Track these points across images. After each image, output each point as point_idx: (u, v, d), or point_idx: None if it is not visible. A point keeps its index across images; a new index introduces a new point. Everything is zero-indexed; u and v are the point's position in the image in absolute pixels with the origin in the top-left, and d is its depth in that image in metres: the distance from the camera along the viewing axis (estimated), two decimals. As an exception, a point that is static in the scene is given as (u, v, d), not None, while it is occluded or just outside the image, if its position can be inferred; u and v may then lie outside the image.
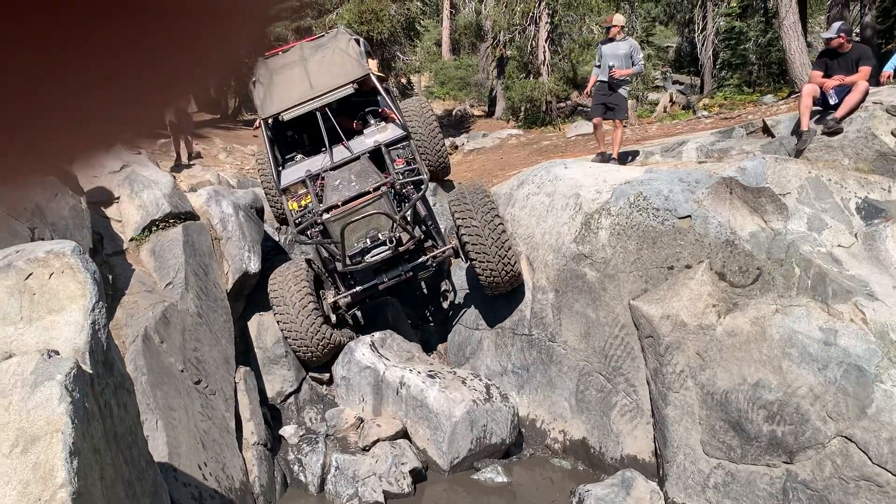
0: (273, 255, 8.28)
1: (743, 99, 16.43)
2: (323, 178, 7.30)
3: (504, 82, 20.96)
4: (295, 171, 7.59)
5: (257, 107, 7.92)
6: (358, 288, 7.38)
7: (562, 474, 6.78)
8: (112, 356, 3.32)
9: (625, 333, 6.55)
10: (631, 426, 6.52)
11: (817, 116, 7.08)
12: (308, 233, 7.11)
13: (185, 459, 5.11)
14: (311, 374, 7.57)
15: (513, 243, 7.34)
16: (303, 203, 7.33)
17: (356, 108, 8.15)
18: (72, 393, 2.58)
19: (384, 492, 6.20)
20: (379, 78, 7.99)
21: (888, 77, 7.13)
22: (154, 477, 3.40)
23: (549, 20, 18.54)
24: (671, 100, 17.95)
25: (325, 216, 6.74)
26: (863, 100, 6.75)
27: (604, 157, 8.40)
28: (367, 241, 6.72)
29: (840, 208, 6.04)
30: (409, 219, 6.95)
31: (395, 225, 6.69)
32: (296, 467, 6.50)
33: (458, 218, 7.10)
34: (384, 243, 6.73)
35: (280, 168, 7.72)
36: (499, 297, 7.70)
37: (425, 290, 9.32)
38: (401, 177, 7.20)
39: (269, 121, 7.71)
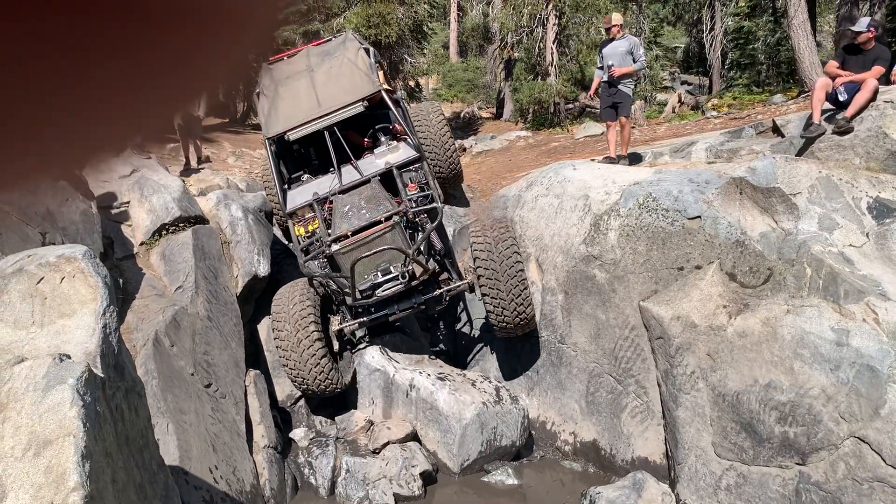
0: (282, 258, 8.29)
1: (752, 99, 16.37)
2: (331, 202, 6.92)
3: (512, 84, 20.95)
4: (301, 193, 7.19)
5: (261, 122, 7.53)
6: (366, 318, 6.97)
7: (572, 476, 6.76)
8: (123, 360, 3.33)
9: (635, 335, 6.53)
10: (641, 428, 6.50)
11: (828, 114, 7.04)
12: (317, 262, 6.74)
13: (196, 463, 5.12)
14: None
15: (530, 289, 6.92)
16: (310, 228, 6.94)
17: (365, 121, 7.74)
18: (83, 397, 2.59)
19: (395, 494, 6.20)
20: (388, 91, 7.67)
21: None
22: (165, 480, 3.41)
23: (556, 22, 18.52)
24: (680, 100, 17.90)
25: (335, 247, 6.34)
26: (873, 98, 6.70)
27: (611, 160, 8.37)
28: (379, 274, 6.37)
29: (851, 208, 5.99)
30: (422, 250, 6.54)
31: (408, 259, 6.32)
32: (306, 470, 6.50)
33: (477, 252, 6.78)
34: (396, 277, 6.37)
35: (286, 188, 7.38)
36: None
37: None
38: (414, 204, 6.76)
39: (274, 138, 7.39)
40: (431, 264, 6.65)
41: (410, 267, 6.37)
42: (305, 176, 7.59)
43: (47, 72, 0.34)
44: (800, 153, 7.08)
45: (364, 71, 7.36)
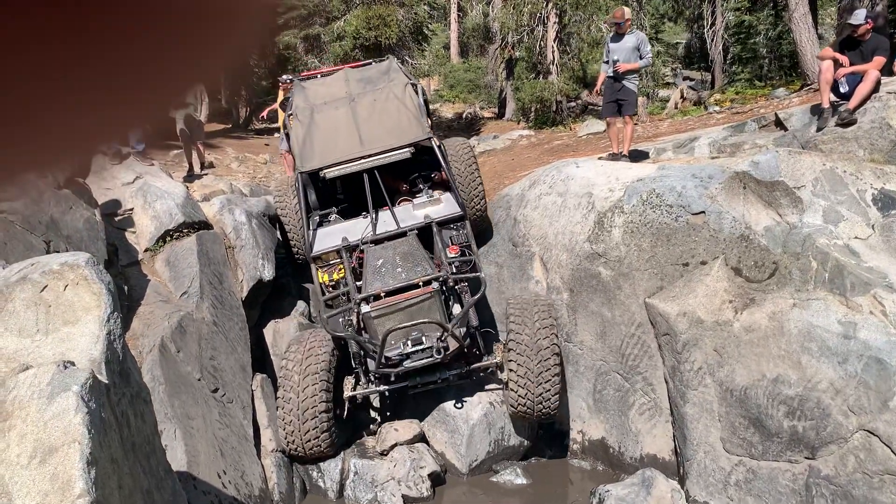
0: (286, 262, 8.29)
1: (754, 93, 16.31)
2: (362, 251, 6.43)
3: (513, 83, 20.94)
4: (330, 236, 6.67)
5: (293, 151, 6.99)
6: (384, 387, 6.36)
7: (581, 475, 6.75)
8: (128, 366, 3.33)
9: (641, 332, 6.51)
10: (650, 425, 6.48)
11: (832, 102, 7.03)
12: (341, 319, 6.25)
13: (203, 468, 5.12)
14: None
15: (561, 383, 6.28)
16: (335, 276, 6.46)
17: (405, 163, 7.11)
18: (88, 403, 2.60)
19: (403, 496, 6.19)
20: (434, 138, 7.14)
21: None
22: (173, 486, 3.41)
23: (557, 20, 18.50)
24: (682, 96, 17.84)
25: (365, 308, 5.81)
26: (875, 90, 6.68)
27: (615, 157, 8.34)
28: (409, 343, 5.84)
29: (856, 200, 5.97)
30: (458, 323, 6.03)
31: (444, 334, 5.80)
32: (314, 473, 6.50)
33: (513, 324, 6.23)
34: (429, 349, 5.84)
35: (311, 227, 6.82)
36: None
37: None
38: (454, 269, 6.30)
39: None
40: (466, 340, 6.16)
41: (446, 342, 5.86)
42: (334, 216, 7.08)
43: (30, 62, 0.34)
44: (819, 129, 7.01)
45: (412, 112, 6.93)
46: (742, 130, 8.87)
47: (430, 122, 7.42)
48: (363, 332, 6.09)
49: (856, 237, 5.77)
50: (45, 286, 3.14)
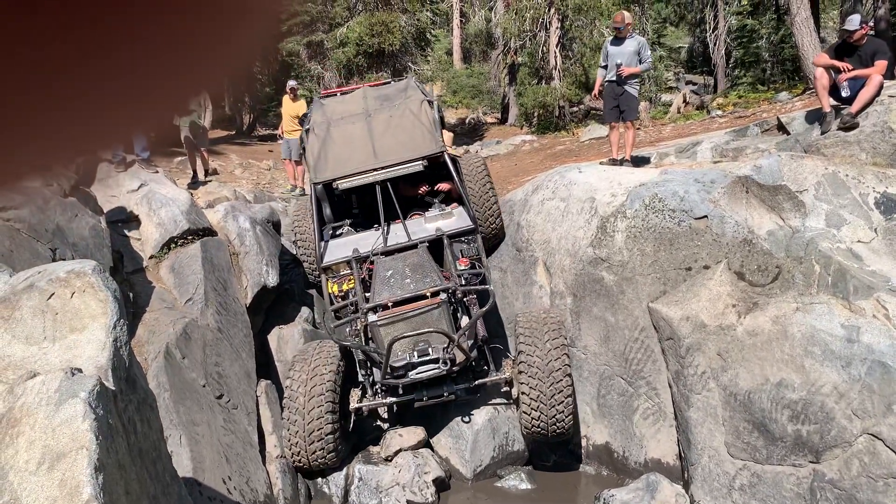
0: (291, 268, 8.33)
1: (757, 97, 16.34)
2: (372, 263, 6.45)
3: (516, 89, 21.00)
4: (341, 248, 6.72)
5: (308, 163, 7.06)
6: (390, 399, 6.36)
7: (585, 480, 6.75)
8: (134, 373, 3.36)
9: (644, 336, 6.52)
10: (654, 429, 6.48)
11: (833, 107, 7.04)
12: (349, 329, 6.32)
13: (209, 474, 5.14)
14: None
15: (574, 401, 6.22)
16: (344, 287, 6.49)
17: (418, 173, 7.14)
18: (95, 410, 2.62)
19: (408, 501, 6.20)
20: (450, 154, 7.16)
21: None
22: (179, 491, 3.43)
23: (559, 25, 18.56)
24: (685, 100, 17.88)
25: (372, 317, 5.82)
26: (877, 94, 6.69)
27: (616, 162, 8.35)
28: (415, 354, 5.82)
29: (858, 203, 5.98)
30: (467, 335, 6.03)
31: (451, 344, 5.78)
32: (319, 479, 6.51)
33: (522, 344, 6.17)
34: (435, 360, 5.81)
35: (323, 238, 6.89)
36: (517, 302, 7.69)
37: None
38: (463, 281, 6.32)
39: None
40: (473, 352, 6.11)
41: (452, 352, 5.81)
42: (346, 228, 7.14)
43: (40, 62, 0.34)
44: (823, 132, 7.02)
45: (427, 127, 6.97)
46: (744, 135, 8.88)
47: (444, 137, 7.43)
48: (370, 341, 6.11)
49: (858, 241, 5.78)
50: (52, 294, 3.16)
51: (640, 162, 8.69)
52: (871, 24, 14.49)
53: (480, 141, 19.41)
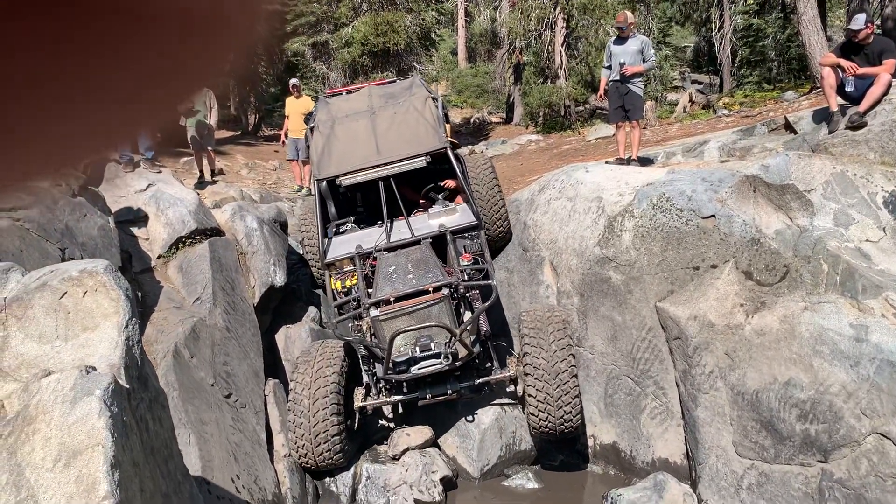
0: (298, 267, 8.35)
1: (764, 96, 16.30)
2: (375, 259, 6.45)
3: (521, 88, 20.98)
4: (344, 244, 6.72)
5: (312, 160, 7.09)
6: (394, 398, 6.37)
7: (593, 479, 6.75)
8: (146, 371, 3.38)
9: (652, 336, 6.52)
10: (661, 429, 6.48)
11: (840, 105, 7.03)
12: (351, 325, 6.30)
13: (218, 472, 5.16)
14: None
15: (580, 397, 6.19)
16: (348, 283, 6.48)
17: (421, 173, 7.14)
18: (110, 407, 2.64)
19: (415, 500, 6.22)
20: (453, 145, 7.15)
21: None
22: (190, 489, 3.45)
23: (564, 24, 18.54)
24: (691, 100, 17.85)
25: (374, 312, 5.78)
26: (886, 92, 6.68)
27: (622, 161, 8.36)
28: (417, 349, 5.79)
29: (867, 203, 5.97)
30: (469, 330, 6.00)
31: (452, 339, 5.75)
32: (327, 478, 6.53)
33: (528, 345, 6.13)
34: (437, 355, 5.79)
35: (327, 235, 6.88)
36: (523, 302, 7.69)
37: None
38: (466, 276, 6.27)
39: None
40: (476, 347, 6.07)
41: (454, 347, 5.78)
42: (350, 225, 7.11)
43: (35, 66, 0.34)
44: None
45: (431, 123, 6.94)
46: (752, 134, 8.86)
47: (449, 134, 7.30)
48: (373, 337, 6.09)
49: (867, 240, 5.77)
50: (65, 293, 3.19)
51: (646, 161, 8.69)
52: (879, 22, 14.47)
53: (486, 140, 19.41)
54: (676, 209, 6.57)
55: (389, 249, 6.48)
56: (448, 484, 6.47)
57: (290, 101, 11.91)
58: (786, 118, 8.56)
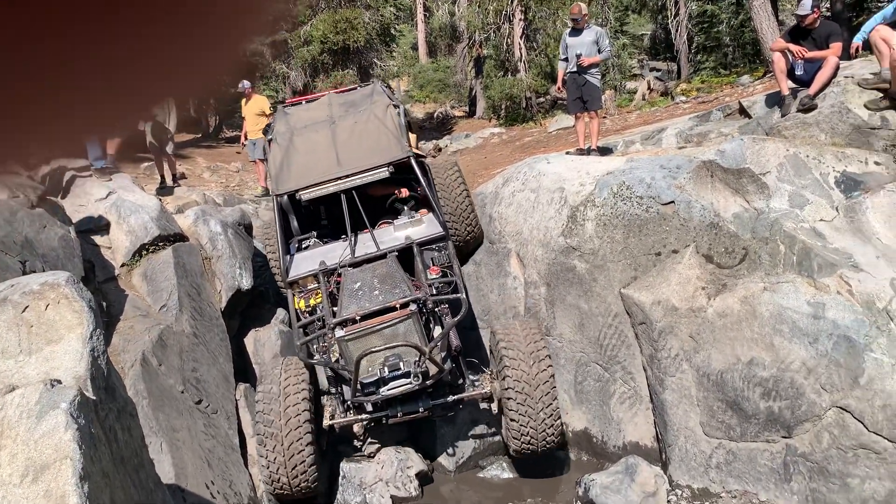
0: (264, 270, 8.30)
1: (720, 81, 16.57)
2: (340, 275, 6.20)
3: (483, 81, 21.06)
4: (306, 261, 6.47)
5: (270, 174, 6.83)
6: (363, 416, 6.02)
7: (566, 466, 6.85)
8: (113, 382, 3.36)
9: (618, 322, 6.63)
10: (631, 413, 6.60)
11: (791, 89, 7.20)
12: (316, 345, 6.06)
13: (191, 479, 5.14)
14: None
15: (559, 410, 6.00)
16: (312, 302, 6.24)
17: (387, 179, 6.82)
18: (77, 420, 2.63)
19: (392, 497, 6.25)
20: (417, 156, 6.91)
21: (857, 49, 7.22)
22: (163, 498, 3.44)
23: (522, 17, 18.65)
24: (649, 87, 18.07)
25: (339, 332, 5.51)
26: (834, 75, 6.85)
27: (582, 152, 8.47)
28: (386, 369, 5.52)
29: (820, 183, 6.13)
30: (440, 347, 5.76)
31: (422, 358, 5.52)
32: (303, 479, 6.52)
33: (506, 356, 5.91)
34: (407, 374, 5.55)
35: (289, 252, 6.63)
36: (491, 294, 7.75)
37: None
38: (434, 290, 6.09)
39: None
40: (447, 364, 5.83)
41: (424, 366, 5.55)
42: (313, 240, 6.84)
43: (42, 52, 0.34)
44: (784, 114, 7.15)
45: (393, 132, 6.69)
46: (708, 120, 9.03)
47: (412, 143, 7.12)
48: (339, 357, 5.82)
49: (821, 220, 5.93)
50: (27, 307, 3.15)
51: (606, 151, 8.80)
52: (827, 5, 14.76)
53: (449, 135, 19.46)
54: (637, 197, 6.67)
55: (354, 265, 6.26)
56: (424, 479, 6.52)
57: (244, 103, 11.85)
58: (740, 103, 8.73)
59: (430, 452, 6.85)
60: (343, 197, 6.50)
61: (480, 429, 6.79)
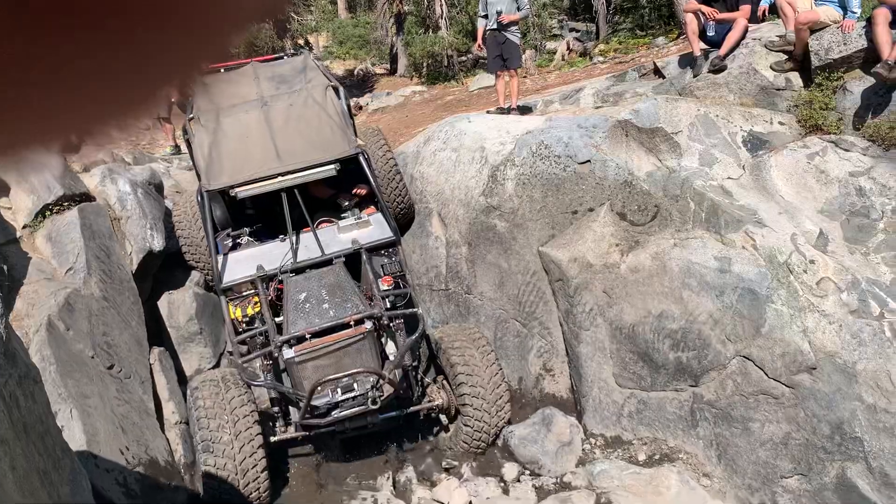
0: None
1: (636, 42, 16.84)
2: (281, 283, 5.72)
3: (404, 39, 20.75)
4: (241, 264, 5.90)
5: (198, 165, 6.09)
6: (310, 432, 5.60)
7: (486, 420, 6.97)
8: (14, 347, 3.21)
9: (536, 279, 6.75)
10: (548, 367, 6.78)
11: (703, 50, 7.38)
12: (259, 363, 5.59)
13: (104, 446, 5.01)
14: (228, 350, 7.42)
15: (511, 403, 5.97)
16: (249, 311, 5.72)
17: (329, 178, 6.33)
18: (-29, 386, 2.50)
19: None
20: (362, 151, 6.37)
21: (764, 12, 7.47)
22: (72, 464, 3.33)
23: (443, -27, 18.40)
24: (568, 48, 18.18)
25: (288, 353, 5.10)
26: (743, 37, 7.05)
27: (503, 111, 8.49)
28: (339, 391, 5.20)
29: (728, 142, 6.35)
30: (397, 365, 5.43)
31: (380, 381, 5.19)
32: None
33: (455, 357, 5.72)
34: (361, 396, 5.21)
35: (219, 251, 6.01)
36: (413, 255, 7.76)
37: None
38: (388, 304, 5.74)
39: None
40: (402, 382, 5.57)
41: (381, 389, 5.22)
42: (246, 239, 6.25)
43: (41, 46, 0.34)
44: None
45: (337, 122, 6.14)
46: (623, 80, 9.18)
47: (355, 131, 6.61)
48: (283, 375, 5.47)
49: (728, 178, 6.16)
50: (-88, 269, 2.96)
51: (526, 110, 8.85)
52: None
53: (371, 93, 19.15)
54: (555, 156, 6.76)
55: (297, 271, 5.81)
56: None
57: None
58: (655, 64, 8.91)
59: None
60: (283, 194, 5.96)
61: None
